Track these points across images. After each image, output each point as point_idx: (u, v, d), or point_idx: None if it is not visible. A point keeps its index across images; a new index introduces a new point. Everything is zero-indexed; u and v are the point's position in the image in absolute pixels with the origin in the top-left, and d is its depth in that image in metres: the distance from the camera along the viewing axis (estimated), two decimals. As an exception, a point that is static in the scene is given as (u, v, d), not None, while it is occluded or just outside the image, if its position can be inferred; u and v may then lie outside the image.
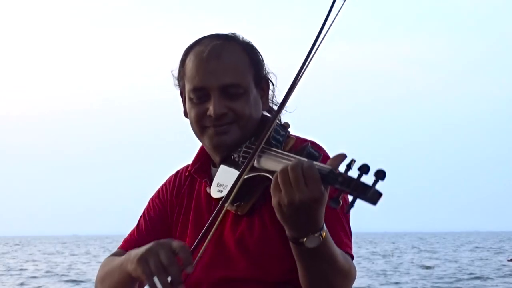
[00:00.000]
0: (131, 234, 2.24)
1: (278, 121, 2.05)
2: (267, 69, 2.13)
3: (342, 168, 1.74)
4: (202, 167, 2.17)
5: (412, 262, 33.31)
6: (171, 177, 2.27)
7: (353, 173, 1.72)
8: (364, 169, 1.69)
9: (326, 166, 1.76)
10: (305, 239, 1.80)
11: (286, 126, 2.08)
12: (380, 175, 1.68)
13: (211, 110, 2.02)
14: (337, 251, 1.89)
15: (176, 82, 2.14)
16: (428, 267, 29.14)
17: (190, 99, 2.06)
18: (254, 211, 2.02)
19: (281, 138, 2.04)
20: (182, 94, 2.14)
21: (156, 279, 1.80)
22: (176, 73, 2.13)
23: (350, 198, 1.70)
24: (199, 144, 2.19)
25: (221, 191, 2.02)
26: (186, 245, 1.83)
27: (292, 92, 1.96)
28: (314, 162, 1.78)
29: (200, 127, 2.07)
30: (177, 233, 2.16)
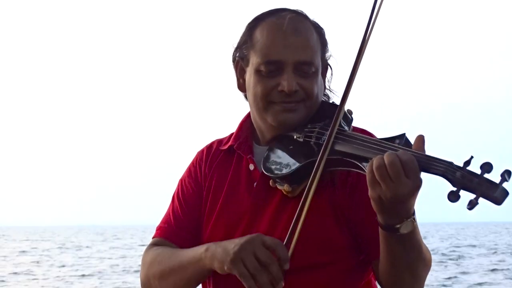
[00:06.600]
0: (167, 221, 2.14)
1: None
2: (329, 53, 2.06)
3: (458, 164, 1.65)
4: (245, 143, 2.10)
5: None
6: (201, 152, 2.19)
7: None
8: (487, 167, 1.60)
9: (443, 161, 1.68)
10: (399, 225, 1.76)
11: (350, 112, 2.00)
12: (508, 174, 1.59)
13: (284, 85, 1.95)
14: (421, 239, 1.87)
15: (235, 52, 2.06)
16: None
17: (258, 71, 1.99)
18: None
19: (348, 124, 1.97)
20: (238, 64, 2.07)
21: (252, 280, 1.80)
22: (237, 43, 2.05)
23: (472, 195, 1.61)
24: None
25: (281, 170, 1.95)
26: (279, 241, 1.83)
27: (352, 82, 1.89)
28: (415, 151, 1.73)
29: (266, 102, 1.99)
30: (207, 207, 2.09)
